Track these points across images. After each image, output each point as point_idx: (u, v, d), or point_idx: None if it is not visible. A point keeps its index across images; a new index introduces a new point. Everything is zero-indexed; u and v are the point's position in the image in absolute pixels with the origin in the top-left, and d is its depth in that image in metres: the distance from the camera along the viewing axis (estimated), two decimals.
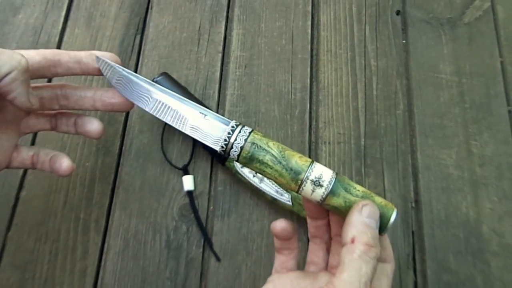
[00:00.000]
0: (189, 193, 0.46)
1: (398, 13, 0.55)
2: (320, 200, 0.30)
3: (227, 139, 0.31)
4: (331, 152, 0.49)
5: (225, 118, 0.33)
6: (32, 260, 0.44)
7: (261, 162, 0.30)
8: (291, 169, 0.30)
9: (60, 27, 0.55)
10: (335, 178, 0.29)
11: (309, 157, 0.49)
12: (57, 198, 0.47)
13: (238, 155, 0.31)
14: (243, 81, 0.52)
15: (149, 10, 0.56)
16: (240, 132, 0.31)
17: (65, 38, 0.54)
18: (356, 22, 0.55)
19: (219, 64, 0.53)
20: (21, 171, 0.48)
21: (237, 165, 0.44)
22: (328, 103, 0.51)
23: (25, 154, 0.39)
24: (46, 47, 0.54)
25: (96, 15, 0.56)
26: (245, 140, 0.31)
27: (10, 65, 0.32)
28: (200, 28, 0.55)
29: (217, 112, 0.51)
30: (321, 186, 0.29)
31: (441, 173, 0.47)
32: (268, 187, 0.43)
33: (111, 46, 0.54)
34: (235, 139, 0.31)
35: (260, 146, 0.30)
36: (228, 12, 0.56)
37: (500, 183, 0.47)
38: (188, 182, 0.46)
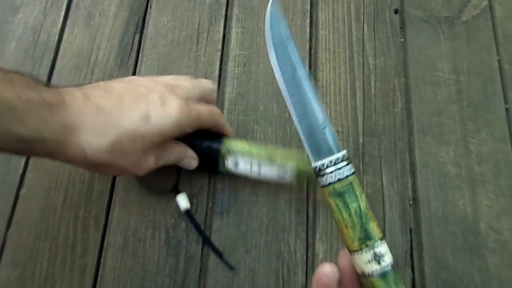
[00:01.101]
0: (187, 212, 0.45)
1: (396, 11, 0.56)
2: (368, 274, 0.29)
3: (331, 166, 0.30)
4: None
5: (337, 140, 0.33)
6: (32, 258, 0.44)
7: (345, 204, 0.29)
8: (365, 230, 0.29)
9: (59, 26, 0.55)
10: (392, 266, 0.29)
11: None
12: (56, 196, 0.47)
13: (330, 183, 0.30)
14: (242, 80, 0.52)
15: (148, 9, 0.57)
16: (347, 166, 0.31)
17: (65, 37, 0.55)
18: (355, 21, 0.55)
19: (218, 62, 0.53)
20: (21, 169, 0.48)
21: (231, 167, 0.44)
22: (326, 101, 0.51)
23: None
24: (46, 46, 0.54)
25: (96, 14, 0.56)
26: (347, 176, 0.30)
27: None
28: (199, 27, 0.55)
29: None
30: (379, 263, 0.28)
31: (439, 170, 0.48)
32: (269, 172, 0.43)
33: (111, 45, 0.54)
34: (340, 170, 0.30)
35: (354, 191, 0.30)
36: (227, 10, 0.56)
37: (498, 180, 0.47)
38: (183, 201, 0.46)
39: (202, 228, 0.46)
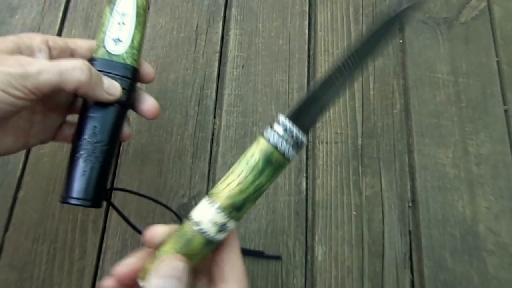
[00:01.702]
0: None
1: None
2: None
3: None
4: (329, 152, 0.49)
5: None
6: (30, 261, 0.44)
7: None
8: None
9: (57, 27, 0.55)
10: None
11: (306, 157, 0.49)
12: (55, 199, 0.47)
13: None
14: (241, 81, 0.52)
15: (147, 10, 0.56)
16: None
17: None
18: (353, 22, 0.55)
19: (216, 64, 0.53)
20: (18, 172, 0.48)
21: None
22: None
23: (68, 131, 0.39)
24: None
25: (93, 16, 0.56)
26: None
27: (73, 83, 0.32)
28: (198, 28, 0.55)
29: (215, 113, 0.51)
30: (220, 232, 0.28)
31: (438, 172, 0.48)
32: None
33: None
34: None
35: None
36: (225, 12, 0.56)
37: (496, 182, 0.47)
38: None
39: None
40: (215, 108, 0.51)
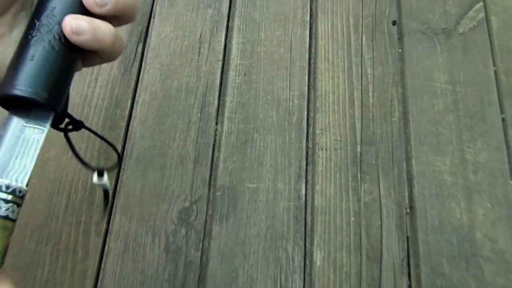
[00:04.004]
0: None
1: (394, 23, 0.57)
2: None
3: None
4: (328, 158, 0.50)
5: None
6: (33, 262, 0.45)
7: None
8: None
9: None
10: None
11: (306, 163, 0.50)
12: (59, 201, 0.48)
13: None
14: (242, 89, 0.53)
15: (152, 19, 0.58)
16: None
17: None
18: (353, 32, 0.56)
19: (219, 71, 0.54)
20: None
21: None
22: (325, 110, 0.52)
23: None
24: None
25: None
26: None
27: None
28: (201, 37, 0.56)
29: (217, 119, 0.52)
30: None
31: (436, 179, 0.48)
32: None
33: None
34: None
35: None
36: (228, 21, 0.58)
37: (493, 189, 0.47)
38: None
39: (202, 235, 0.46)
40: (217, 114, 0.52)
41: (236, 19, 0.58)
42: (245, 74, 0.54)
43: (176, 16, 0.58)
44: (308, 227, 0.47)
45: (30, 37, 0.26)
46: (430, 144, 0.50)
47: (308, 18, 0.57)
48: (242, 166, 0.49)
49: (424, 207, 0.47)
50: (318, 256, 0.45)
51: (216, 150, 0.50)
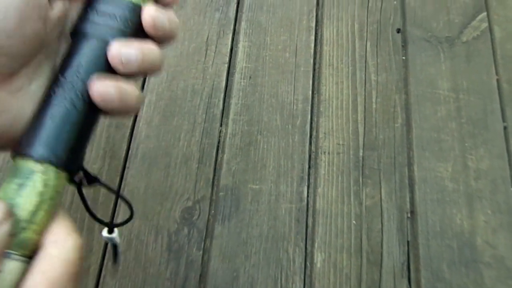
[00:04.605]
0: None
1: (398, 31, 0.58)
2: None
3: None
4: (331, 162, 0.50)
5: None
6: None
7: None
8: None
9: None
10: None
11: (309, 167, 0.50)
12: (64, 199, 0.48)
13: None
14: (248, 91, 0.54)
15: None
16: None
17: None
18: (358, 38, 0.57)
19: (225, 74, 0.55)
20: None
21: None
22: (328, 115, 0.53)
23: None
24: None
25: None
26: None
27: None
28: (208, 40, 0.57)
29: (221, 121, 0.53)
30: None
31: (437, 185, 0.49)
32: None
33: None
34: None
35: None
36: (235, 25, 0.58)
37: (495, 196, 0.48)
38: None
39: (204, 234, 0.47)
40: (222, 116, 0.53)
41: (243, 23, 0.59)
42: (250, 77, 0.55)
43: (184, 18, 0.59)
44: (310, 229, 0.47)
45: (52, 94, 0.25)
46: (432, 150, 0.50)
47: (313, 24, 0.58)
48: (245, 168, 0.50)
49: (425, 212, 0.47)
50: (318, 258, 0.46)
51: (220, 151, 0.51)
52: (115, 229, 0.33)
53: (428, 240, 0.46)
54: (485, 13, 0.58)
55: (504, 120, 0.52)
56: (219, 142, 0.52)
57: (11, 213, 0.21)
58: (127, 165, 0.50)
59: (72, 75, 0.25)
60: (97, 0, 0.27)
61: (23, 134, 0.24)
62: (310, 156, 0.51)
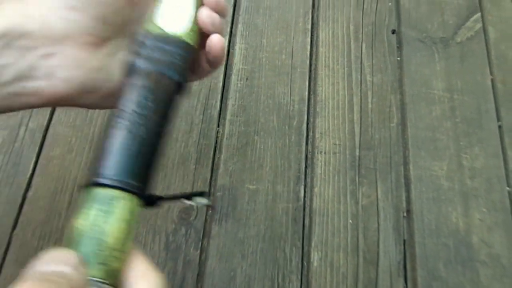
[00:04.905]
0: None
1: (393, 32, 0.58)
2: None
3: None
4: (327, 162, 0.50)
5: None
6: (35, 258, 0.46)
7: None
8: None
9: None
10: None
11: (305, 166, 0.50)
12: (62, 199, 0.49)
13: None
14: (244, 93, 0.55)
15: None
16: None
17: None
18: (353, 40, 0.58)
19: (222, 76, 0.55)
20: (29, 172, 0.50)
21: None
22: (325, 115, 0.53)
23: None
24: None
25: None
26: None
27: None
28: None
29: (219, 122, 0.53)
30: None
31: (433, 184, 0.49)
32: None
33: None
34: None
35: None
36: (232, 27, 0.59)
37: (490, 195, 0.48)
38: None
39: (201, 234, 0.47)
40: (219, 117, 0.53)
41: (239, 26, 0.59)
42: (247, 79, 0.55)
43: None
44: (306, 228, 0.47)
45: (122, 125, 0.26)
46: (428, 150, 0.51)
47: (309, 26, 0.59)
48: (242, 168, 0.50)
49: (421, 211, 0.48)
50: (315, 257, 0.46)
51: (217, 151, 0.51)
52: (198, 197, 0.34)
53: (424, 239, 0.46)
54: (479, 14, 0.58)
55: (498, 119, 0.52)
56: (216, 143, 0.52)
57: (82, 263, 0.21)
58: None
59: (140, 107, 0.27)
60: (150, 37, 0.29)
61: (97, 163, 0.25)
62: (306, 156, 0.51)
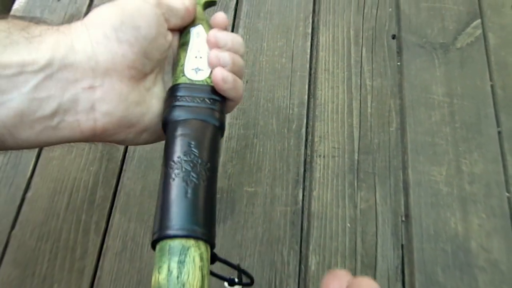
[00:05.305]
0: None
1: (393, 37, 0.58)
2: None
3: None
4: (326, 165, 0.50)
5: None
6: (33, 258, 0.46)
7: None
8: None
9: None
10: None
11: (304, 170, 0.50)
12: (60, 200, 0.49)
13: None
14: (244, 96, 0.55)
15: None
16: None
17: None
18: (353, 44, 0.58)
19: None
20: (28, 173, 0.50)
21: None
22: (324, 119, 0.53)
23: None
24: None
25: None
26: None
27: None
28: None
29: None
30: None
31: (431, 189, 0.49)
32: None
33: None
34: None
35: None
36: (232, 31, 0.59)
37: (489, 200, 0.48)
38: None
39: None
40: None
41: (240, 29, 0.59)
42: (247, 82, 0.56)
43: None
44: (304, 232, 0.47)
45: (174, 175, 0.27)
46: (427, 154, 0.51)
47: (310, 30, 0.59)
48: (241, 170, 0.50)
49: (420, 216, 0.47)
50: (313, 261, 0.46)
51: None
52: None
53: (422, 244, 0.46)
54: (479, 20, 0.59)
55: (498, 125, 0.52)
56: None
57: None
58: (123, 167, 0.51)
59: (189, 155, 0.28)
60: (179, 89, 0.31)
61: (160, 217, 0.26)
62: (305, 159, 0.51)
